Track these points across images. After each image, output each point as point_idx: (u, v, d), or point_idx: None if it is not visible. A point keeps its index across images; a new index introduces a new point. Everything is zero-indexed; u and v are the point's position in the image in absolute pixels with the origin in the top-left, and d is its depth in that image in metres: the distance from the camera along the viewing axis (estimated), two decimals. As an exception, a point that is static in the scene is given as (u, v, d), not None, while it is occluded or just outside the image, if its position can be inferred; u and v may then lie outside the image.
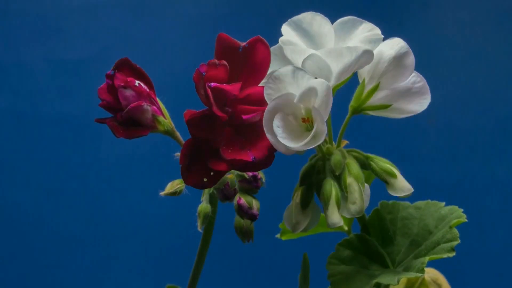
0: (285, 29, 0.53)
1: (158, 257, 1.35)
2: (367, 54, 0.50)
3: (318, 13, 0.52)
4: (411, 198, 0.60)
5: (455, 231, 0.53)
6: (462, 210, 0.56)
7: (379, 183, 0.65)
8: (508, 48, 1.39)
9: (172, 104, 0.58)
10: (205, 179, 0.51)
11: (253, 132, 0.51)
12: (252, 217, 0.58)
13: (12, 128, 1.36)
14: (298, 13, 0.54)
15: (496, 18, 1.40)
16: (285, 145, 0.48)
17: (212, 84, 0.50)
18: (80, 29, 1.40)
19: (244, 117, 0.50)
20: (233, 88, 0.51)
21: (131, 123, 0.54)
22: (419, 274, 0.49)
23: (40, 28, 1.39)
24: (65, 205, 1.35)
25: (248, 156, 0.49)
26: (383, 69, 0.53)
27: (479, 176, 1.34)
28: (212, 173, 0.50)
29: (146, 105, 0.53)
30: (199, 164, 0.51)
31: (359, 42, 0.51)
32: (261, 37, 0.53)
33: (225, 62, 0.51)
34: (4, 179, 1.36)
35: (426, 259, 0.51)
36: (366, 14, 0.56)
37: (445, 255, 0.51)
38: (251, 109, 0.51)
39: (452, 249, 0.52)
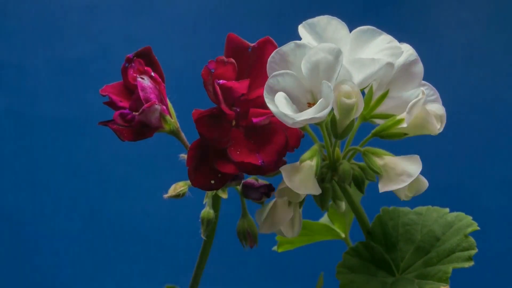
0: (301, 31, 0.51)
1: (158, 257, 1.35)
2: (388, 67, 0.49)
3: (334, 18, 0.50)
4: (412, 200, 0.60)
5: (472, 239, 0.53)
6: (471, 217, 0.55)
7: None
8: (508, 48, 1.39)
9: (171, 104, 0.58)
10: (212, 181, 0.50)
11: (262, 135, 0.51)
12: (266, 189, 0.56)
13: (12, 128, 1.35)
14: (293, 11, 0.53)
15: (496, 18, 1.40)
16: (287, 115, 0.46)
17: (221, 81, 0.50)
18: (80, 29, 1.40)
19: (254, 120, 0.50)
20: (241, 86, 0.51)
21: (139, 124, 0.53)
22: (443, 284, 0.49)
23: (40, 28, 1.39)
24: (65, 205, 1.35)
25: (257, 159, 0.49)
26: (392, 76, 0.52)
27: (478, 177, 1.34)
28: (219, 175, 0.50)
29: (157, 105, 0.53)
30: (207, 165, 0.50)
31: (381, 54, 0.50)
32: (270, 37, 0.53)
33: (233, 60, 0.51)
34: (4, 179, 1.35)
35: (450, 268, 0.51)
36: (366, 14, 0.55)
37: (466, 265, 0.51)
38: (261, 112, 0.51)
39: (470, 258, 0.51)
